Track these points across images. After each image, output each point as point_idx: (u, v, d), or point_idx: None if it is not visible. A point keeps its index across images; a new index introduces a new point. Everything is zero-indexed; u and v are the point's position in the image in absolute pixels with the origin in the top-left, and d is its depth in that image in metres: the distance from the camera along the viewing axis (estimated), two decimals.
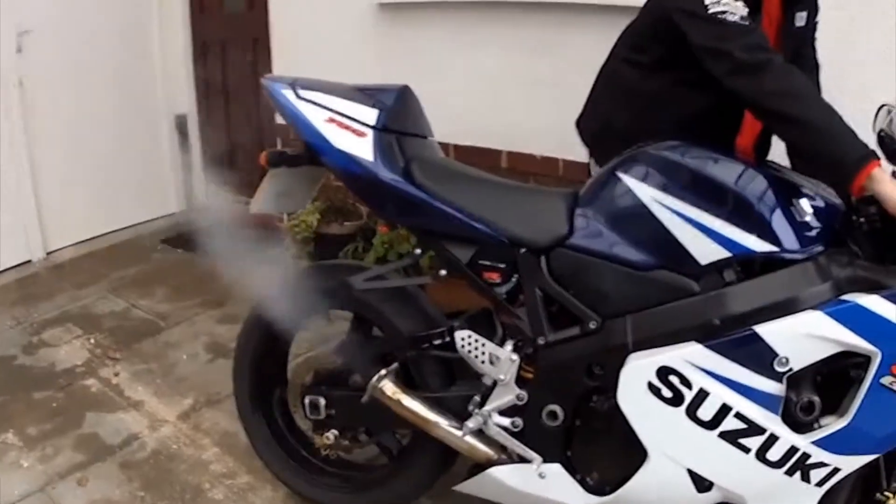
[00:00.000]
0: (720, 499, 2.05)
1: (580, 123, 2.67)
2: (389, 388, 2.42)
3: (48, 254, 5.13)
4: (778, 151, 2.31)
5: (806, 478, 1.92)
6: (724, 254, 1.95)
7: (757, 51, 1.98)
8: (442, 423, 2.37)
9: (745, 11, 2.04)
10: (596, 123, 2.59)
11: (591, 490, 2.21)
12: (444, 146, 2.54)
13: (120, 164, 5.41)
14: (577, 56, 3.52)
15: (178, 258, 5.20)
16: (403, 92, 2.49)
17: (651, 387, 1.97)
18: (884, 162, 1.89)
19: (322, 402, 2.60)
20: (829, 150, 1.89)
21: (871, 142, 1.93)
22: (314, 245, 4.37)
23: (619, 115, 2.45)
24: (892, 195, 1.81)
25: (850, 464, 1.91)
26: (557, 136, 3.59)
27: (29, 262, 5.02)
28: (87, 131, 5.20)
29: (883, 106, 2.05)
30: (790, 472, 1.92)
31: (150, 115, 5.63)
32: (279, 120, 2.62)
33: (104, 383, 3.71)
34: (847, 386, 1.88)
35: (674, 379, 1.94)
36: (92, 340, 4.10)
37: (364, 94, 2.41)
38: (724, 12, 2.01)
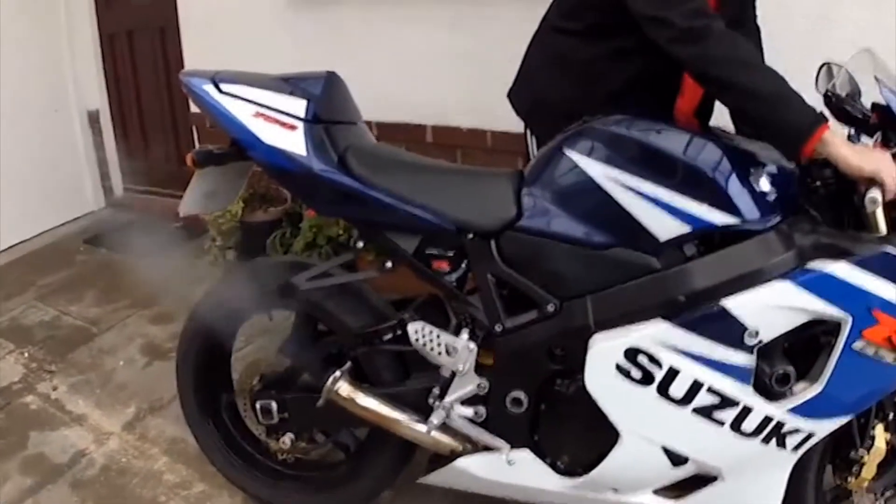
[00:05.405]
0: (696, 471, 2.04)
1: (513, 95, 2.58)
2: (345, 389, 2.34)
3: None
4: (721, 117, 2.26)
5: (781, 444, 1.92)
6: (684, 229, 1.90)
7: (697, 16, 1.90)
8: (403, 420, 2.31)
9: None
10: (530, 94, 2.50)
11: (562, 472, 2.19)
12: (367, 124, 2.47)
13: (34, 165, 5.30)
14: (499, 29, 3.49)
15: (103, 258, 5.06)
16: (330, 79, 2.38)
17: (619, 368, 1.93)
18: (832, 122, 1.86)
19: (274, 406, 2.52)
20: (777, 116, 1.84)
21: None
22: (240, 234, 4.27)
23: (555, 84, 2.38)
24: (847, 156, 1.79)
25: (824, 428, 1.91)
26: (483, 108, 3.56)
27: None
28: None
29: (825, 64, 2.02)
30: (766, 441, 1.92)
31: (61, 113, 5.51)
32: (193, 109, 2.52)
33: (43, 399, 3.59)
34: (817, 351, 1.87)
35: (642, 359, 1.90)
36: (26, 354, 3.96)
37: (290, 85, 2.31)
38: None
